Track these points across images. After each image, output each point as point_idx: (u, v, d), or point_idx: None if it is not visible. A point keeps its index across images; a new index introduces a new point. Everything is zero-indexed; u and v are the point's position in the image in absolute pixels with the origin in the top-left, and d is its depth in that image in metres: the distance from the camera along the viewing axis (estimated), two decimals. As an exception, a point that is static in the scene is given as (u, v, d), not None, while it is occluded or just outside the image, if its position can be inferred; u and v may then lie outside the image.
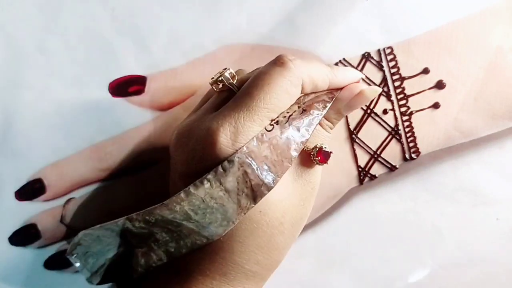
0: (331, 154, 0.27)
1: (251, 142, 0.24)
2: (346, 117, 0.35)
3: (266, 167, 0.24)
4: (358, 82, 0.29)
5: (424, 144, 0.34)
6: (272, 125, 0.25)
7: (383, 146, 0.35)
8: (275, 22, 0.34)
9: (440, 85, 0.34)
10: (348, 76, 0.28)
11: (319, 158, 0.26)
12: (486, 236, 0.35)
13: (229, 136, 0.24)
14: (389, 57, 0.35)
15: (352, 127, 0.35)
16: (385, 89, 0.35)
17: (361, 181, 0.35)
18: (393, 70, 0.35)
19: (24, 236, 0.33)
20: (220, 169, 0.24)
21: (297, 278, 0.35)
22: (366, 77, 0.35)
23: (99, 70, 0.34)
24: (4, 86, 0.33)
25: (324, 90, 0.28)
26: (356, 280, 0.35)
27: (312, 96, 0.27)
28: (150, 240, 0.25)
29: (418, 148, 0.34)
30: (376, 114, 0.35)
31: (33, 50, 0.34)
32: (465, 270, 0.35)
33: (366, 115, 0.35)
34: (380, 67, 0.35)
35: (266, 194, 0.24)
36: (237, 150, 0.24)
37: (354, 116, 0.35)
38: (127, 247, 0.27)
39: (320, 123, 0.27)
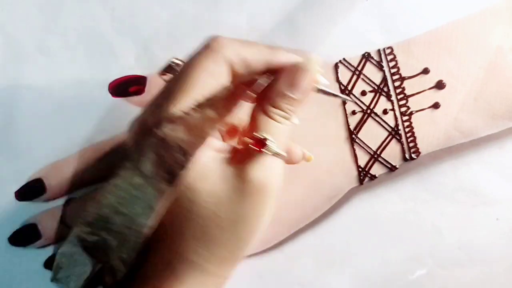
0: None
1: (165, 124, 0.24)
2: (346, 117, 0.35)
3: (180, 149, 0.24)
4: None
5: (424, 144, 0.34)
6: (193, 108, 0.24)
7: (383, 146, 0.35)
8: (275, 22, 0.34)
9: (440, 85, 0.34)
10: (291, 57, 0.26)
11: (255, 146, 0.24)
12: (486, 236, 0.35)
13: (150, 118, 0.24)
14: (389, 57, 0.35)
15: (352, 127, 0.35)
16: (385, 89, 0.35)
17: (361, 181, 0.35)
18: (393, 70, 0.35)
19: (24, 236, 0.33)
20: (135, 154, 0.24)
21: (297, 278, 0.35)
22: (366, 77, 0.35)
23: (99, 70, 0.34)
24: (4, 86, 0.33)
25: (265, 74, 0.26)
26: (356, 280, 0.35)
27: (248, 79, 0.26)
28: (108, 250, 0.25)
29: (418, 148, 0.34)
30: (376, 114, 0.35)
31: (33, 50, 0.34)
32: (465, 270, 0.35)
33: (366, 115, 0.35)
34: (380, 67, 0.35)
35: (181, 175, 0.24)
36: (150, 134, 0.24)
37: (354, 116, 0.35)
38: (96, 267, 0.27)
39: (266, 112, 0.25)
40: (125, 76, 0.34)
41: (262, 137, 0.25)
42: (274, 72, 0.26)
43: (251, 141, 0.25)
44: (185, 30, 0.34)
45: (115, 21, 0.34)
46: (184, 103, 0.24)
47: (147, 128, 0.24)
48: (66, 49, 0.34)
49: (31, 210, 0.33)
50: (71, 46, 0.34)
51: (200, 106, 0.24)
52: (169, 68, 0.27)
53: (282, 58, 0.26)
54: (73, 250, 0.26)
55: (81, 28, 0.34)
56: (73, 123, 0.34)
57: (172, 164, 0.24)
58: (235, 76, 0.26)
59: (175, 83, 0.25)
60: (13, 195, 0.33)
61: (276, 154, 0.25)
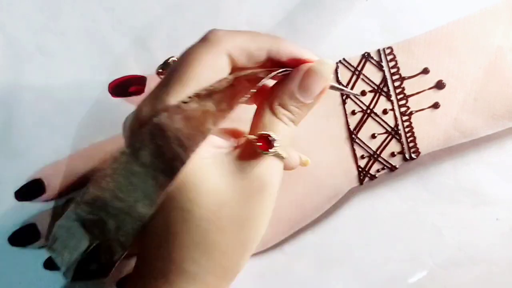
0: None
1: (162, 114, 0.23)
2: (346, 117, 0.35)
3: (178, 140, 0.23)
4: (312, 62, 0.26)
5: (424, 144, 0.34)
6: (191, 97, 0.24)
7: (383, 146, 0.35)
8: (275, 22, 0.34)
9: (440, 85, 0.34)
10: (295, 49, 0.25)
11: (261, 144, 0.24)
12: (486, 236, 0.35)
13: (147, 111, 0.23)
14: (389, 57, 0.35)
15: (352, 127, 0.35)
16: (385, 89, 0.35)
17: (361, 181, 0.35)
18: (393, 70, 0.35)
19: (24, 236, 0.33)
20: (135, 143, 0.23)
21: (297, 278, 0.35)
22: (366, 77, 0.35)
23: (99, 70, 0.34)
24: (4, 86, 0.33)
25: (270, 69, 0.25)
26: (356, 280, 0.35)
27: (248, 72, 0.25)
28: (105, 229, 0.25)
29: (418, 148, 0.34)
30: (376, 114, 0.35)
31: (33, 50, 0.34)
32: (465, 270, 0.35)
33: (366, 115, 0.35)
34: (380, 67, 0.35)
35: (180, 169, 0.23)
36: (147, 123, 0.23)
37: (354, 116, 0.35)
38: (93, 242, 0.26)
39: (273, 110, 0.25)
40: (125, 76, 0.34)
41: (271, 138, 0.24)
42: (277, 63, 0.25)
43: (255, 138, 0.24)
44: (185, 30, 0.34)
45: (115, 21, 0.34)
46: (182, 94, 0.23)
47: (145, 118, 0.23)
48: (66, 49, 0.34)
49: (31, 210, 0.33)
50: (71, 46, 0.34)
51: (199, 97, 0.23)
52: (166, 66, 0.27)
53: (286, 48, 0.25)
54: (71, 224, 0.26)
55: (81, 28, 0.34)
56: (73, 123, 0.34)
57: (170, 156, 0.23)
58: (236, 68, 0.25)
59: (172, 75, 0.24)
60: (13, 195, 0.33)
61: (278, 156, 0.25)
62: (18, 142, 0.34)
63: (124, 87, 0.34)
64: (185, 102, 0.23)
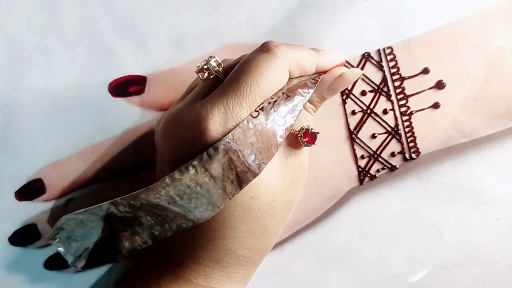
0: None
1: (237, 129, 0.24)
2: (346, 117, 0.35)
3: (252, 154, 0.24)
4: (343, 65, 0.29)
5: (424, 144, 0.34)
6: (258, 111, 0.25)
7: (383, 146, 0.35)
8: (275, 22, 0.34)
9: (440, 85, 0.34)
10: (333, 59, 0.29)
11: (307, 139, 0.27)
12: (486, 236, 0.35)
13: (219, 122, 0.24)
14: (389, 57, 0.35)
15: (352, 127, 0.35)
16: (385, 89, 0.35)
17: (361, 181, 0.35)
18: (393, 70, 0.35)
19: (24, 236, 0.33)
20: (205, 155, 0.24)
21: (297, 278, 0.35)
22: (366, 77, 0.35)
23: (99, 70, 0.34)
24: (4, 86, 0.33)
25: (310, 75, 0.28)
26: (356, 280, 0.35)
27: (295, 81, 0.27)
28: (135, 223, 0.25)
29: (418, 148, 0.34)
30: (376, 114, 0.35)
31: (33, 50, 0.34)
32: (465, 270, 0.35)
33: (366, 115, 0.35)
34: (380, 67, 0.35)
35: (251, 181, 0.24)
36: (222, 137, 0.24)
37: (354, 116, 0.35)
38: (111, 231, 0.26)
39: (304, 107, 0.27)
40: (125, 76, 0.34)
41: (316, 132, 0.27)
42: (318, 74, 0.28)
43: (299, 135, 0.27)
44: (185, 30, 0.34)
45: (115, 21, 0.34)
46: (253, 106, 0.25)
47: (217, 133, 0.24)
48: (66, 49, 0.34)
49: (31, 210, 0.33)
50: (71, 46, 0.34)
51: (263, 109, 0.25)
52: (210, 67, 0.27)
53: (330, 61, 0.29)
54: (85, 217, 0.26)
55: (81, 28, 0.34)
56: (73, 123, 0.34)
57: (243, 170, 0.24)
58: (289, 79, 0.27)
59: (237, 86, 0.25)
60: (13, 195, 0.33)
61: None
62: (18, 142, 0.34)
63: (124, 87, 0.34)
64: (254, 117, 0.25)
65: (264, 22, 0.34)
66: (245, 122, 0.24)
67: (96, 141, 0.34)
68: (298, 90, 0.26)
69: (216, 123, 0.24)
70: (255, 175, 0.24)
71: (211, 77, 0.27)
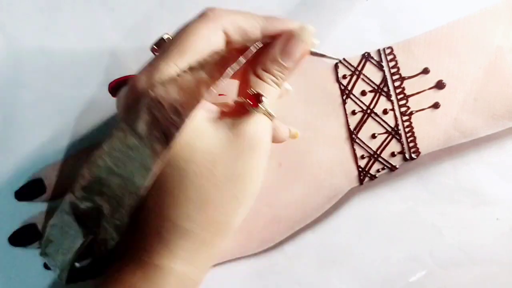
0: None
1: (159, 86, 0.24)
2: (346, 117, 0.35)
3: (175, 110, 0.24)
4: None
5: (424, 144, 0.34)
6: (185, 71, 0.25)
7: (383, 146, 0.35)
8: (275, 22, 0.34)
9: (440, 85, 0.34)
10: (285, 24, 0.27)
11: (250, 101, 0.26)
12: (486, 236, 0.35)
13: (144, 80, 0.24)
14: (389, 57, 0.35)
15: (352, 127, 0.35)
16: (385, 89, 0.35)
17: (361, 181, 0.35)
18: (393, 70, 0.35)
19: (24, 236, 0.33)
20: (130, 115, 0.24)
21: (297, 277, 0.35)
22: (366, 77, 0.35)
23: (99, 70, 0.34)
24: (4, 86, 0.33)
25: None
26: (356, 280, 0.35)
27: (239, 46, 0.27)
28: (101, 217, 0.25)
29: (418, 148, 0.34)
30: (376, 114, 0.35)
31: (33, 50, 0.34)
32: (465, 270, 0.35)
33: (366, 115, 0.35)
34: (380, 67, 0.35)
35: (176, 136, 0.24)
36: (143, 95, 0.24)
37: (354, 116, 0.35)
38: (87, 238, 0.26)
39: (258, 75, 0.27)
40: (125, 76, 0.34)
41: (259, 94, 0.26)
42: (270, 39, 0.27)
43: (243, 100, 0.26)
44: (185, 30, 0.34)
45: (115, 21, 0.34)
46: (180, 64, 0.25)
47: (140, 90, 0.24)
48: (66, 49, 0.34)
49: (31, 210, 0.33)
50: (71, 46, 0.34)
51: (193, 69, 0.25)
52: (161, 43, 0.28)
53: (278, 24, 0.27)
54: (64, 220, 0.26)
55: (81, 28, 0.34)
56: (73, 123, 0.34)
57: (166, 125, 0.24)
58: (230, 43, 0.26)
59: (169, 47, 0.25)
60: (13, 195, 0.33)
61: (267, 113, 0.26)
62: (18, 142, 0.34)
63: (124, 87, 0.34)
64: (180, 76, 0.25)
65: (264, 22, 0.34)
66: (168, 79, 0.24)
67: (96, 141, 0.34)
68: (237, 53, 0.26)
69: (142, 81, 0.24)
70: (178, 128, 0.24)
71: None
